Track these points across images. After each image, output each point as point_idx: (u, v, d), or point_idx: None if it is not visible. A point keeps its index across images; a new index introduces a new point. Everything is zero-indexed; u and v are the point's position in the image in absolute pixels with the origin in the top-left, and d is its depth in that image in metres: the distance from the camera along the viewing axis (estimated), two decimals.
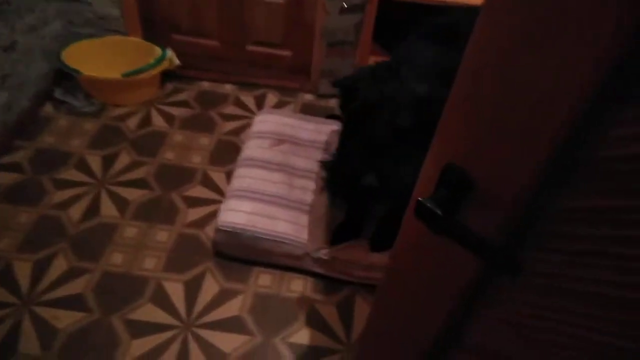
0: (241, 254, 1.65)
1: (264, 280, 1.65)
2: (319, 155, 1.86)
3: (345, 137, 1.37)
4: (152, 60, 2.18)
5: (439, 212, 0.57)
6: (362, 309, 1.61)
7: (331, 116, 2.21)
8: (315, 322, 1.56)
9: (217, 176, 1.98)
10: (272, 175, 1.75)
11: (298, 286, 1.64)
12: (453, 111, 0.58)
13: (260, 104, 2.33)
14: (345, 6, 2.01)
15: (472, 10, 1.37)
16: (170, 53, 2.25)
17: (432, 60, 1.20)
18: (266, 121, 1.96)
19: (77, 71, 2.09)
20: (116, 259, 1.65)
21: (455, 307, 0.69)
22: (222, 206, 1.66)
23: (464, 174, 0.56)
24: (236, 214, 1.61)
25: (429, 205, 0.57)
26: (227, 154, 2.06)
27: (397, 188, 1.09)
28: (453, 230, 0.59)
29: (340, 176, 1.43)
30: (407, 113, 1.11)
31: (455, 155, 0.58)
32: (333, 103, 2.35)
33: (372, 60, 1.94)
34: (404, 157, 1.12)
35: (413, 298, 0.79)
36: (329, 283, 1.66)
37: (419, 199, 0.58)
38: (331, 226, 1.63)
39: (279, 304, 1.59)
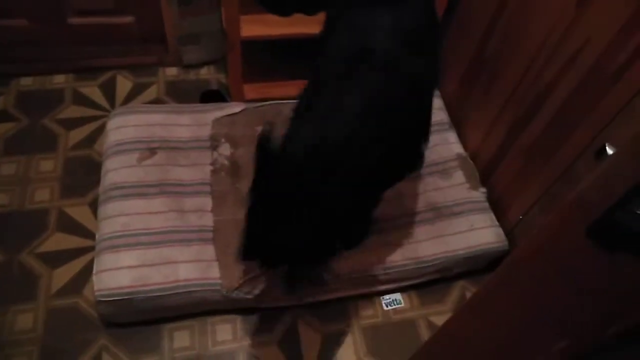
0: (141, 318, 1.26)
1: (181, 339, 1.28)
2: (207, 158, 1.44)
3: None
4: None
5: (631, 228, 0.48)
6: (310, 339, 1.32)
7: (207, 94, 1.75)
8: None
9: (79, 212, 1.48)
10: (153, 204, 1.31)
11: (226, 334, 1.31)
12: None
13: (109, 93, 1.77)
14: None
15: None
16: None
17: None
18: (124, 125, 1.46)
19: None
20: None
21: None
22: (95, 266, 1.22)
23: None
24: (116, 274, 1.18)
25: (621, 219, 0.48)
26: (84, 175, 1.55)
27: None
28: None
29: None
30: None
31: None
32: (205, 73, 1.87)
33: (243, 19, 1.48)
34: None
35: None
36: (263, 315, 1.34)
37: (615, 212, 0.49)
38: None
39: None
